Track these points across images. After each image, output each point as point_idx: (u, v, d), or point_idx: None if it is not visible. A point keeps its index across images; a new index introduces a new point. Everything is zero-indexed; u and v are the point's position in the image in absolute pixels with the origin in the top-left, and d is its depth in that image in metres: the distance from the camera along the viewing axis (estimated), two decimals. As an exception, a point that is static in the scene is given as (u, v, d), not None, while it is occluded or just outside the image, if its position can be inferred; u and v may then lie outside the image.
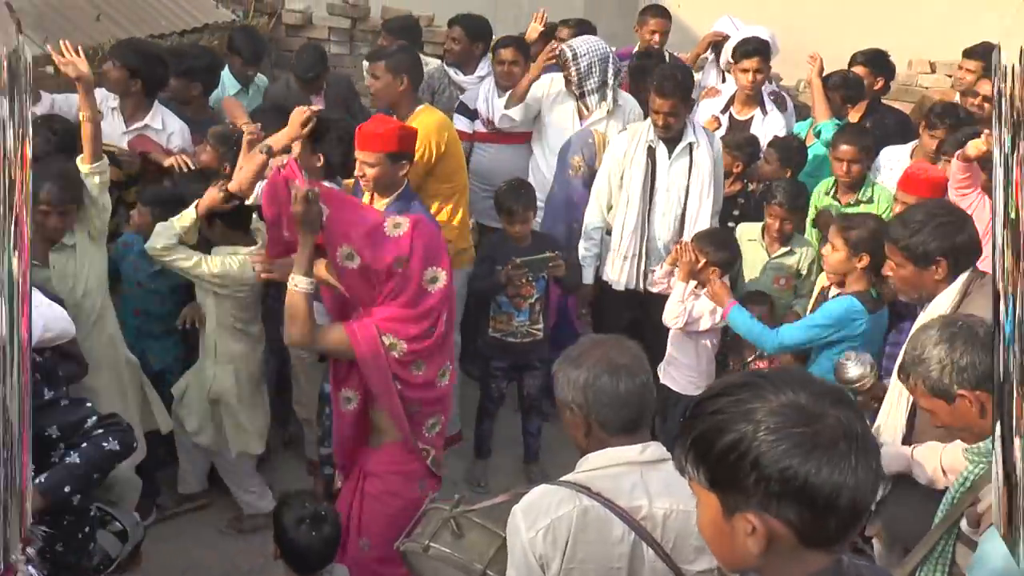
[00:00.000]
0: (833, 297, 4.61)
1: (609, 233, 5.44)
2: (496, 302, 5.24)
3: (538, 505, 2.46)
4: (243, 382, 4.76)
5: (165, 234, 4.42)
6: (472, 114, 6.33)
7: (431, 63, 7.06)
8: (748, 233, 5.41)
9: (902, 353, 3.07)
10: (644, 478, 2.44)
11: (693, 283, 4.97)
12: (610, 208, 5.43)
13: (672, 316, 5.00)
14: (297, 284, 3.55)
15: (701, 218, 5.29)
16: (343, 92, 6.58)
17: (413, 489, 3.77)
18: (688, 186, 5.29)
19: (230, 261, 4.55)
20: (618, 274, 5.41)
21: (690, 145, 5.28)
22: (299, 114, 4.44)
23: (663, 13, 7.07)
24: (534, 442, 5.55)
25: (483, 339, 5.40)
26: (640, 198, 5.30)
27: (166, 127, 5.41)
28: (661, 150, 5.29)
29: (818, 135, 5.97)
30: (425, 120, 5.20)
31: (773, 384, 1.59)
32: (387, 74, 5.33)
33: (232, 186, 4.37)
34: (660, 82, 5.20)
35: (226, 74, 6.30)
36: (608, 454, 2.48)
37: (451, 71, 6.65)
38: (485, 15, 6.92)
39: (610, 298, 5.53)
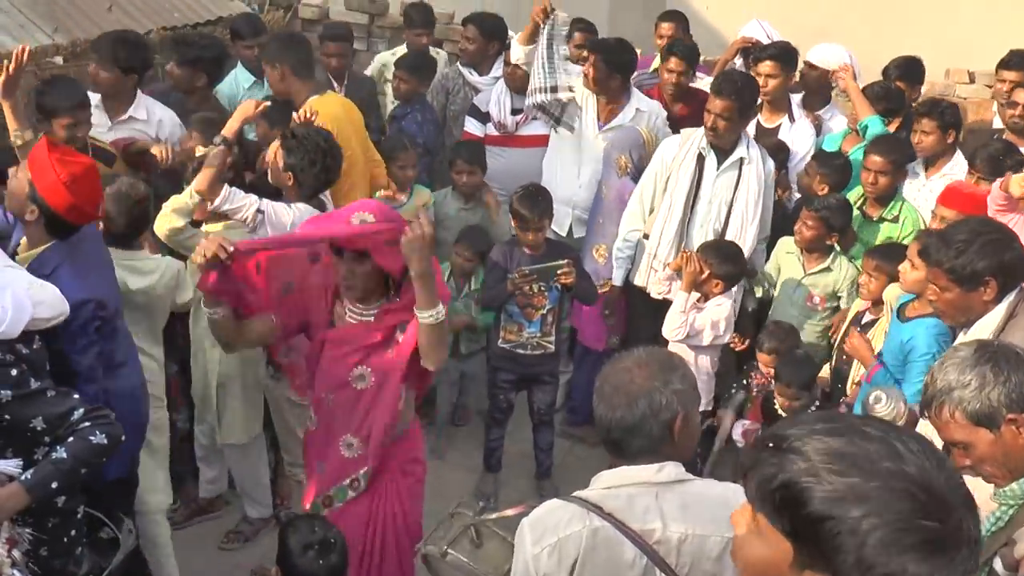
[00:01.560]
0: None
1: (646, 237, 5.40)
2: (506, 311, 5.21)
3: (546, 521, 2.43)
4: (248, 363, 4.70)
5: (174, 215, 4.35)
6: (484, 117, 6.32)
7: (441, 55, 7.08)
8: (786, 246, 5.39)
9: (926, 383, 2.87)
10: (659, 499, 2.40)
11: (695, 295, 4.97)
12: (651, 212, 5.40)
13: (672, 328, 4.99)
14: (432, 316, 3.40)
15: (746, 241, 5.23)
16: (364, 95, 6.58)
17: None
18: (732, 202, 5.25)
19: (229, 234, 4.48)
20: (651, 280, 5.38)
21: (741, 160, 5.23)
22: (249, 104, 4.46)
23: (675, 17, 7.04)
24: (546, 458, 5.51)
25: (492, 349, 5.38)
26: (683, 206, 5.26)
27: (151, 116, 5.37)
28: (711, 159, 5.25)
29: (864, 130, 5.87)
30: (319, 109, 5.07)
31: (904, 444, 1.42)
32: (267, 67, 5.33)
33: (196, 185, 4.31)
34: (718, 81, 5.17)
35: (239, 70, 6.30)
36: (622, 473, 2.45)
37: (465, 71, 6.65)
38: (506, 14, 6.92)
39: (641, 305, 5.50)
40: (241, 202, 4.35)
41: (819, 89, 6.40)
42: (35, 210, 3.57)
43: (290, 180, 4.47)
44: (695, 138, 5.29)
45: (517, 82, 6.17)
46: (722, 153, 5.24)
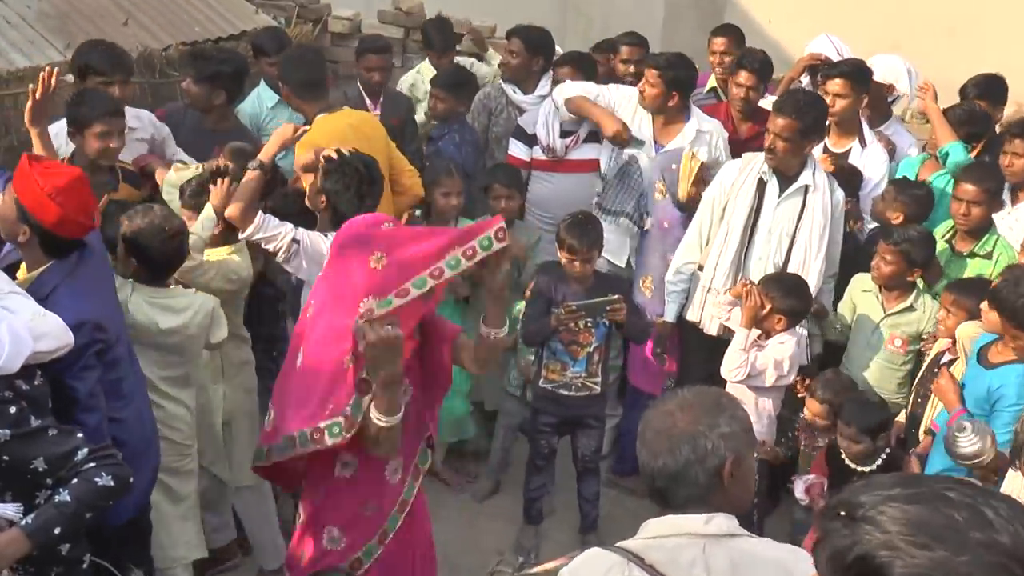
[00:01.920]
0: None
1: (701, 269, 5.39)
2: (550, 348, 5.22)
3: (582, 571, 2.44)
4: (253, 395, 4.76)
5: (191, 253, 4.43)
6: (530, 139, 6.34)
7: (484, 66, 7.14)
8: (862, 283, 5.35)
9: (1016, 430, 2.81)
10: (706, 553, 2.38)
11: (756, 332, 4.95)
12: (708, 242, 5.41)
13: (731, 368, 4.97)
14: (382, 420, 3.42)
15: (810, 276, 5.19)
16: (401, 113, 6.64)
17: None
18: (795, 233, 5.22)
19: (234, 257, 4.56)
20: (704, 316, 5.37)
21: (805, 187, 5.21)
22: (288, 128, 4.55)
23: (730, 31, 7.05)
24: (591, 509, 5.50)
25: (533, 389, 5.39)
26: (740, 235, 5.25)
27: (141, 120, 5.47)
28: (772, 186, 5.23)
29: (944, 157, 5.84)
30: (320, 126, 5.21)
31: (994, 509, 1.36)
32: (281, 85, 5.55)
33: (228, 212, 4.40)
34: (780, 99, 5.16)
35: (262, 88, 6.40)
36: (668, 522, 2.44)
37: (508, 89, 6.69)
38: (552, 27, 6.97)
39: (695, 343, 5.48)
40: (276, 231, 4.42)
41: (877, 104, 6.34)
42: (26, 230, 3.65)
43: (324, 204, 4.54)
44: (756, 162, 5.28)
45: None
46: (785, 179, 5.22)
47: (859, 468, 4.71)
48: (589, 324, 5.09)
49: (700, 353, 5.45)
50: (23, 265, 3.79)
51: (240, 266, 4.57)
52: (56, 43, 6.13)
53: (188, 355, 4.32)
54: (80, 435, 3.25)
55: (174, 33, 6.73)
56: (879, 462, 4.69)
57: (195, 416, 4.41)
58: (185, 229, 4.26)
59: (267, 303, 5.07)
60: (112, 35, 6.38)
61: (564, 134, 6.25)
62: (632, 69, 6.76)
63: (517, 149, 6.35)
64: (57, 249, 3.70)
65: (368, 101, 6.63)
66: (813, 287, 5.19)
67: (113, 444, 3.53)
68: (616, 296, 5.02)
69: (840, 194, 5.36)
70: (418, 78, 7.13)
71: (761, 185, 5.23)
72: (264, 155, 4.59)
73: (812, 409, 4.98)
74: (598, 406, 5.31)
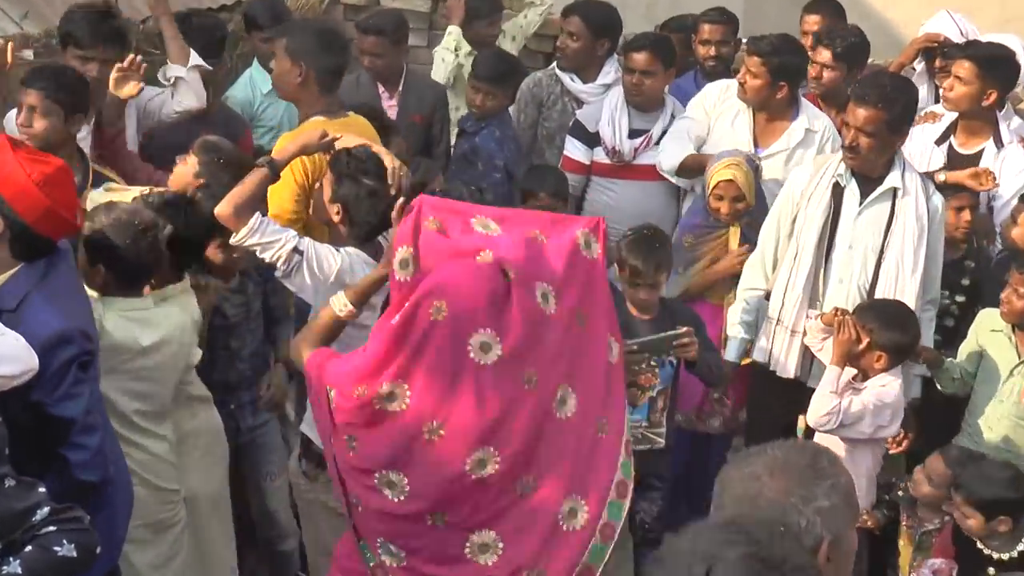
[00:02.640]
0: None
1: (768, 298, 5.37)
2: (606, 393, 5.14)
3: None
4: (220, 471, 4.71)
5: None
6: (591, 138, 6.32)
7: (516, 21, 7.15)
8: (991, 321, 5.27)
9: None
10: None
11: (850, 371, 4.91)
12: (775, 265, 5.39)
13: (820, 414, 4.92)
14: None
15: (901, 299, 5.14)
16: (426, 108, 6.62)
17: None
18: (883, 248, 5.20)
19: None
20: (774, 353, 5.34)
21: (894, 191, 5.18)
22: (315, 133, 4.57)
23: (825, 7, 7.06)
24: (653, 589, 5.39)
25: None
26: (814, 252, 5.22)
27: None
28: (852, 191, 5.22)
29: None
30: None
31: None
32: (284, 58, 5.37)
33: (220, 208, 4.37)
34: (861, 86, 5.15)
35: (255, 70, 6.42)
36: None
37: (565, 77, 6.68)
38: (611, 2, 6.93)
39: (766, 386, 5.46)
40: (274, 236, 4.40)
41: None
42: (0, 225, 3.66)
43: (339, 215, 4.52)
44: (830, 164, 5.26)
45: (641, 95, 6.16)
46: (867, 182, 5.19)
47: (995, 555, 4.64)
48: (652, 363, 5.01)
49: (771, 400, 5.43)
50: None
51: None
52: (11, 12, 6.13)
53: (168, 379, 4.33)
54: (42, 490, 3.20)
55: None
56: (1021, 547, 4.62)
57: (176, 450, 4.41)
58: (158, 223, 4.24)
59: (218, 341, 4.94)
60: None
61: (633, 133, 6.25)
62: (713, 52, 6.75)
63: (575, 149, 6.34)
64: (30, 250, 3.70)
65: (383, 90, 6.58)
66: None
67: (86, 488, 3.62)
68: (684, 329, 4.94)
69: (939, 199, 5.33)
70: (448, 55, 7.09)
71: (838, 191, 5.23)
72: (279, 154, 4.58)
73: (921, 488, 4.89)
74: (662, 462, 5.23)
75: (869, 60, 6.95)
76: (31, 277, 3.70)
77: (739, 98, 5.94)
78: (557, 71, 6.75)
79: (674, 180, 6.11)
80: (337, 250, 4.44)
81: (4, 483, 3.14)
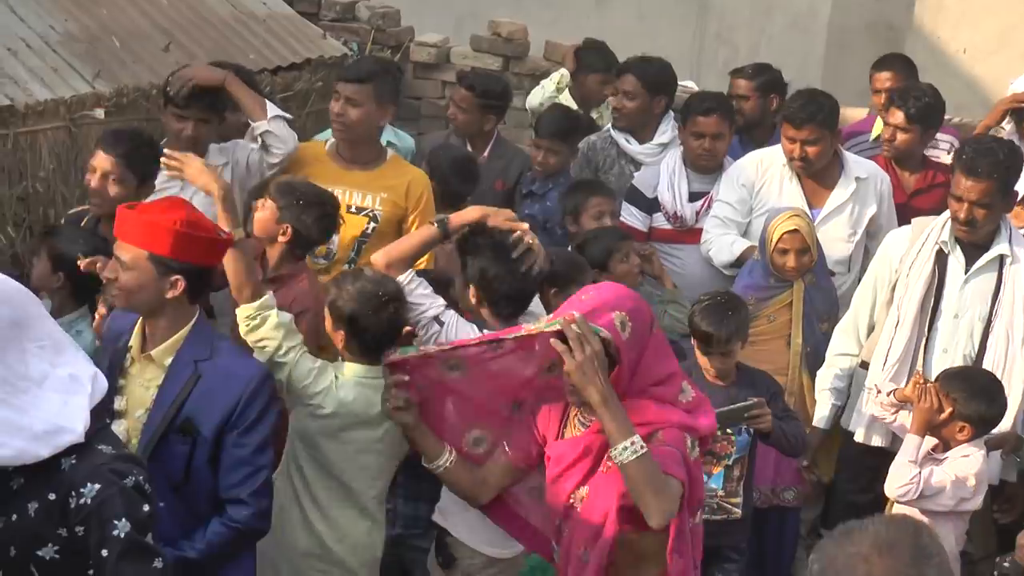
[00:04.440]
0: None
1: (864, 367, 5.33)
2: (680, 459, 5.10)
3: None
4: None
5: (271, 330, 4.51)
6: (649, 204, 6.31)
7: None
8: None
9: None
10: None
11: (932, 440, 4.85)
12: (870, 330, 5.36)
13: (898, 485, 4.84)
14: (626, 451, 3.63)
15: (1013, 374, 5.09)
16: (515, 168, 6.68)
17: None
18: (991, 317, 5.16)
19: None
20: (866, 422, 5.30)
21: (1001, 258, 5.15)
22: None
23: (896, 64, 7.03)
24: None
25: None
26: (916, 321, 5.19)
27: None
28: (956, 258, 5.19)
29: None
30: None
31: None
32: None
33: (378, 257, 4.49)
34: (972, 158, 5.08)
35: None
36: None
37: (620, 138, 6.68)
38: (684, 57, 6.97)
39: (857, 458, 5.41)
40: (420, 300, 4.45)
41: None
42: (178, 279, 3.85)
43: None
44: (932, 229, 5.22)
45: (714, 159, 6.19)
46: (972, 249, 5.16)
47: None
48: (728, 430, 4.98)
49: (860, 470, 5.37)
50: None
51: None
52: (84, 72, 6.25)
53: (393, 454, 4.46)
54: None
55: (225, 60, 6.81)
56: None
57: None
58: (401, 295, 4.38)
59: None
60: (150, 62, 6.52)
61: (692, 196, 6.23)
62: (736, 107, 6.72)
63: (632, 217, 6.31)
64: (202, 286, 4.01)
65: (470, 149, 6.64)
66: (1020, 388, 5.08)
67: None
68: (756, 400, 4.91)
69: None
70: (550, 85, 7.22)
71: (941, 258, 5.19)
72: (457, 217, 4.56)
73: None
74: (740, 534, 5.16)
75: (958, 120, 6.93)
76: (206, 322, 4.01)
77: (792, 168, 5.93)
78: (612, 133, 6.71)
79: (726, 272, 6.04)
80: (481, 330, 4.44)
81: (154, 560, 3.12)
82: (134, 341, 3.98)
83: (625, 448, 3.58)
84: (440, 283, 4.73)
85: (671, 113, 6.67)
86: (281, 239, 4.88)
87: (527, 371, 3.96)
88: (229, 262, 4.16)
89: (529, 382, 3.98)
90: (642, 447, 3.58)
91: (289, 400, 4.34)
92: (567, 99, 7.16)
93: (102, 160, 5.01)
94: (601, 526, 3.77)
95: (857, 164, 6.03)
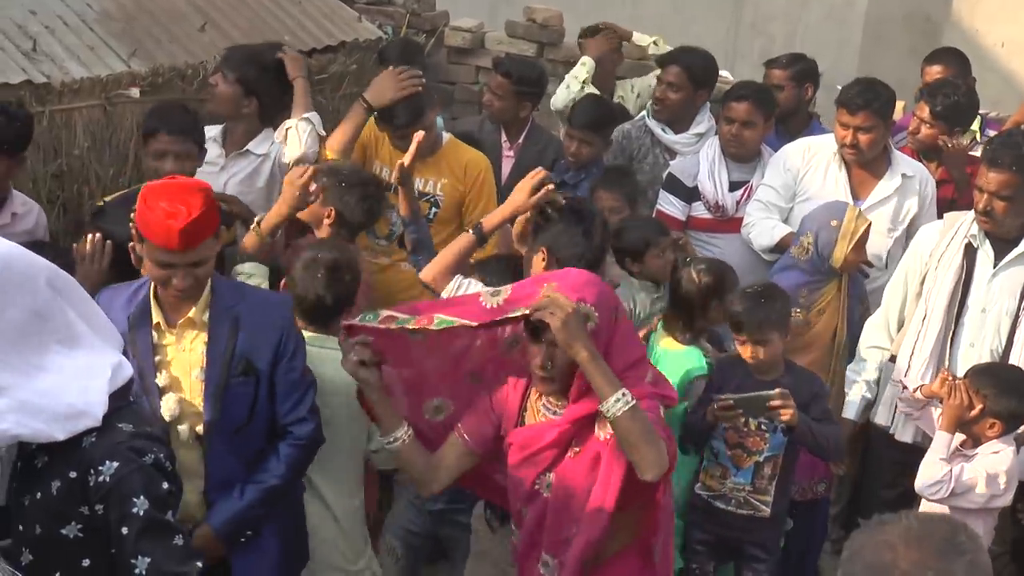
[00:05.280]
0: None
1: (892, 360, 5.34)
2: (711, 449, 5.11)
3: None
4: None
5: None
6: (688, 193, 6.32)
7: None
8: None
9: None
10: None
11: (960, 437, 4.85)
12: (901, 324, 5.40)
13: (929, 482, 4.84)
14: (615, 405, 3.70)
15: None
16: (549, 155, 6.67)
17: None
18: (1019, 311, 5.18)
19: None
20: (895, 417, 5.32)
21: None
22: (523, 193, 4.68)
23: (948, 58, 7.00)
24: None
25: (687, 497, 5.25)
26: (944, 315, 5.20)
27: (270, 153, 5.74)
28: (985, 252, 5.21)
29: None
30: None
31: None
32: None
33: (423, 274, 4.68)
34: (994, 149, 5.11)
35: None
36: None
37: (656, 128, 6.68)
38: (720, 47, 6.95)
39: (883, 453, 5.43)
40: None
41: None
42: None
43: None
44: (962, 224, 5.23)
45: (741, 146, 6.17)
46: (1002, 244, 5.17)
47: None
48: (763, 427, 4.96)
49: (887, 465, 5.40)
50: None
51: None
52: (120, 51, 6.26)
53: None
54: (199, 564, 3.19)
55: (258, 40, 6.81)
56: None
57: None
58: (355, 265, 4.61)
59: None
60: (185, 42, 6.53)
61: (732, 185, 6.24)
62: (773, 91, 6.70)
63: (671, 206, 6.33)
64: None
65: (504, 138, 6.68)
66: None
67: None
68: (778, 390, 4.86)
69: None
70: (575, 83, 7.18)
71: (970, 252, 5.21)
72: (488, 221, 4.69)
73: None
74: (765, 533, 5.14)
75: (994, 114, 6.90)
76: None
77: (844, 156, 5.93)
78: (648, 122, 6.74)
79: (766, 257, 6.07)
80: None
81: (174, 538, 3.15)
82: (157, 316, 4.08)
83: (617, 400, 3.64)
84: (510, 265, 4.84)
85: (707, 104, 6.68)
86: (326, 222, 4.98)
87: (489, 345, 4.01)
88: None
89: (491, 354, 4.03)
90: (632, 399, 3.65)
91: None
92: (591, 89, 7.13)
93: (161, 141, 5.26)
94: (579, 510, 3.83)
95: (904, 161, 6.03)
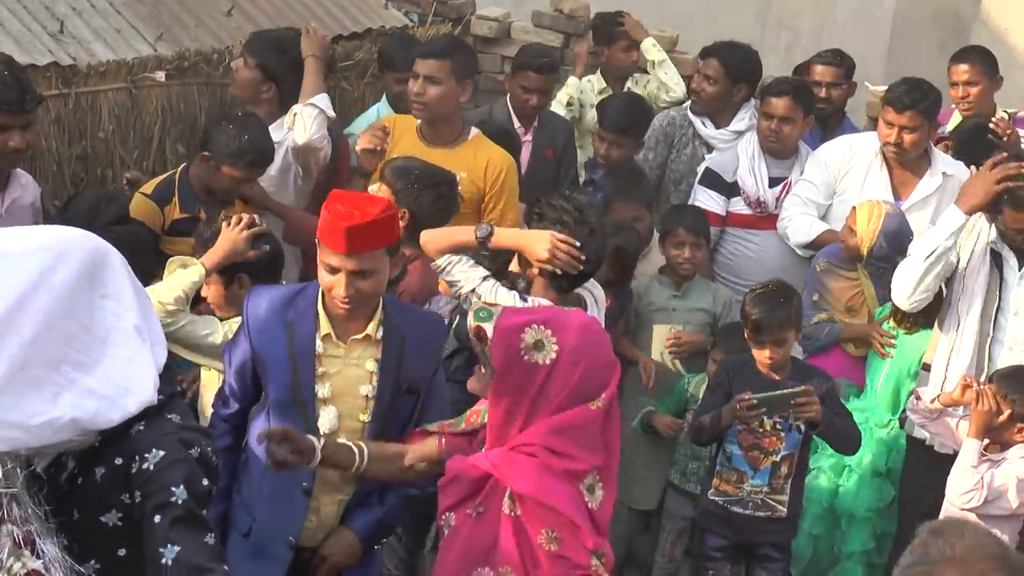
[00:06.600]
0: None
1: (927, 369, 5.35)
2: (725, 452, 5.12)
3: None
4: None
5: (180, 287, 4.60)
6: (728, 188, 6.28)
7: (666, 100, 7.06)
8: None
9: None
10: None
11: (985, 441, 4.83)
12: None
13: (962, 491, 4.81)
14: None
15: None
16: (559, 143, 6.67)
17: None
18: None
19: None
20: (933, 428, 5.24)
21: None
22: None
23: (974, 56, 6.93)
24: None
25: (700, 503, 5.29)
26: (979, 320, 5.20)
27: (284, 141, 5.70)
28: (1009, 258, 5.22)
29: None
30: None
31: None
32: (449, 79, 5.73)
33: (423, 238, 4.59)
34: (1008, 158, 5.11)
35: (382, 105, 6.52)
36: None
37: (697, 121, 6.67)
38: (748, 41, 6.95)
39: (922, 460, 5.41)
40: (459, 276, 4.50)
41: None
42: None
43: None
44: (981, 229, 5.24)
45: (779, 142, 6.16)
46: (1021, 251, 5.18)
47: None
48: (778, 426, 4.96)
49: (924, 475, 5.34)
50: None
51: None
52: (146, 34, 6.28)
53: None
54: (225, 568, 3.14)
55: (285, 26, 6.82)
56: None
57: None
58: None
59: None
60: (212, 26, 6.55)
61: (772, 181, 6.23)
62: (824, 94, 6.70)
63: (710, 200, 6.28)
64: None
65: (518, 125, 6.64)
66: None
67: None
68: (802, 387, 4.89)
69: None
70: (587, 86, 7.17)
71: (996, 257, 5.21)
72: (496, 239, 4.59)
73: None
74: (781, 533, 5.18)
75: (1022, 113, 6.87)
76: None
77: (887, 155, 5.91)
78: (689, 114, 6.73)
79: (800, 252, 6.07)
80: (526, 299, 4.43)
81: (206, 535, 3.10)
82: (327, 327, 4.04)
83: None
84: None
85: (752, 101, 6.63)
86: (400, 224, 4.88)
87: None
88: None
89: None
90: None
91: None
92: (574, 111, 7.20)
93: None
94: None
95: (944, 160, 6.01)
